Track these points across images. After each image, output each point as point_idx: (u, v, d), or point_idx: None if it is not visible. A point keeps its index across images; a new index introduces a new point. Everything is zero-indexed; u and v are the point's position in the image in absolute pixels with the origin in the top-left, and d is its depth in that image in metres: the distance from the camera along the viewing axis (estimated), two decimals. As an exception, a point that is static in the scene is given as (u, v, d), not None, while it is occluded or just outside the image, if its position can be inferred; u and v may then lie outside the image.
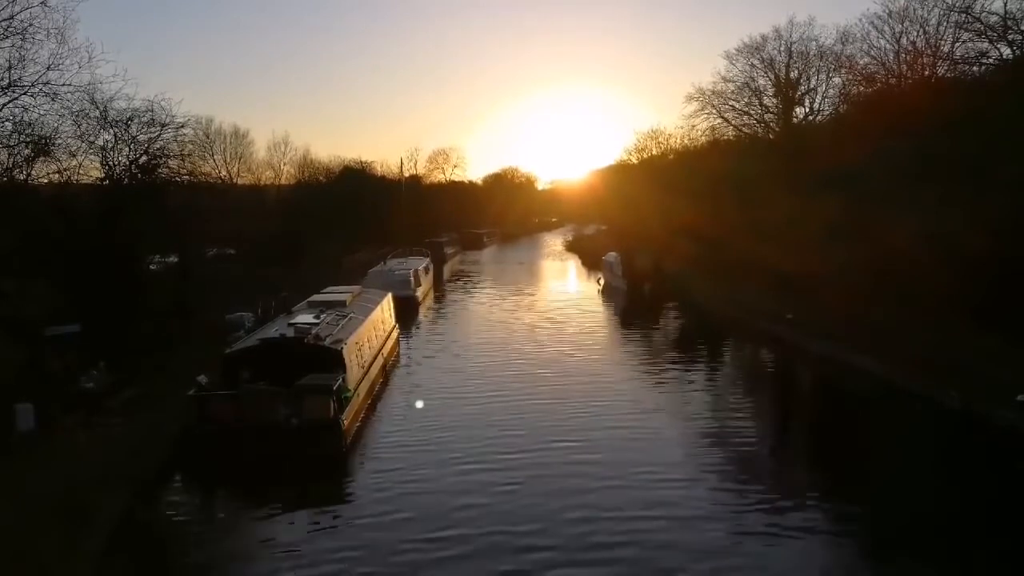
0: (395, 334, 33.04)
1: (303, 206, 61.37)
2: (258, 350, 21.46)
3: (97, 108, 27.42)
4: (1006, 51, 31.37)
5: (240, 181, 65.49)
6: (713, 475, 17.40)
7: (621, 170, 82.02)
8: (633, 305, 44.84)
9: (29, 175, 25.85)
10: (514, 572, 13.04)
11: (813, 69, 48.72)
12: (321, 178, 75.44)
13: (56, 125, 25.51)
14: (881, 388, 24.07)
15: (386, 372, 27.95)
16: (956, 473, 17.45)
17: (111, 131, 28.41)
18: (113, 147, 28.71)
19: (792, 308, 33.80)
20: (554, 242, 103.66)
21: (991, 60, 32.13)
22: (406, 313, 38.84)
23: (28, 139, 24.48)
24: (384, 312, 31.47)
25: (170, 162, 30.15)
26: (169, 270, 34.20)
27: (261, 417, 18.65)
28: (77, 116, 26.43)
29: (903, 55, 39.66)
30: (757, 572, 13.04)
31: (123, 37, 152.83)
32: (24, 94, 23.31)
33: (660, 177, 60.56)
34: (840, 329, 29.63)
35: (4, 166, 24.83)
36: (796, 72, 49.39)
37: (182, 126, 29.94)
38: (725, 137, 53.83)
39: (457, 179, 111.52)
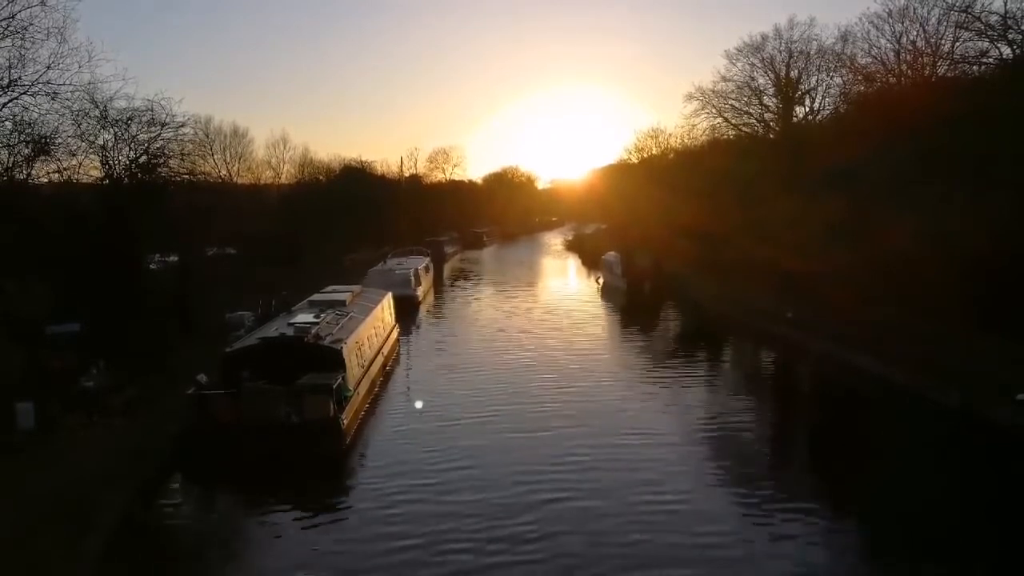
0: (395, 333, 33.02)
1: (303, 205, 61.29)
2: (258, 349, 21.45)
3: (97, 107, 27.47)
4: (1006, 50, 31.42)
5: (240, 180, 65.43)
6: (710, 475, 17.37)
7: (621, 169, 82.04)
8: (632, 304, 44.77)
9: (29, 174, 25.87)
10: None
11: (813, 68, 48.74)
12: (321, 177, 75.35)
13: (56, 124, 25.57)
14: (881, 387, 24.06)
15: (386, 371, 27.92)
16: (956, 473, 17.44)
17: (111, 130, 28.46)
18: (113, 146, 28.77)
19: (792, 307, 33.77)
20: (554, 241, 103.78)
21: (991, 59, 32.17)
22: (406, 312, 38.83)
23: (28, 138, 24.50)
24: (384, 311, 31.45)
25: (170, 161, 30.23)
26: (169, 269, 34.18)
27: (261, 416, 18.62)
28: (77, 115, 26.46)
29: (903, 54, 39.76)
30: (755, 572, 13.03)
31: (122, 36, 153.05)
32: (24, 93, 23.39)
33: (660, 176, 60.57)
34: (840, 328, 29.63)
35: (4, 165, 24.88)
36: (796, 71, 49.37)
37: (182, 125, 30.03)
38: (725, 137, 53.83)
39: (457, 178, 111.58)
